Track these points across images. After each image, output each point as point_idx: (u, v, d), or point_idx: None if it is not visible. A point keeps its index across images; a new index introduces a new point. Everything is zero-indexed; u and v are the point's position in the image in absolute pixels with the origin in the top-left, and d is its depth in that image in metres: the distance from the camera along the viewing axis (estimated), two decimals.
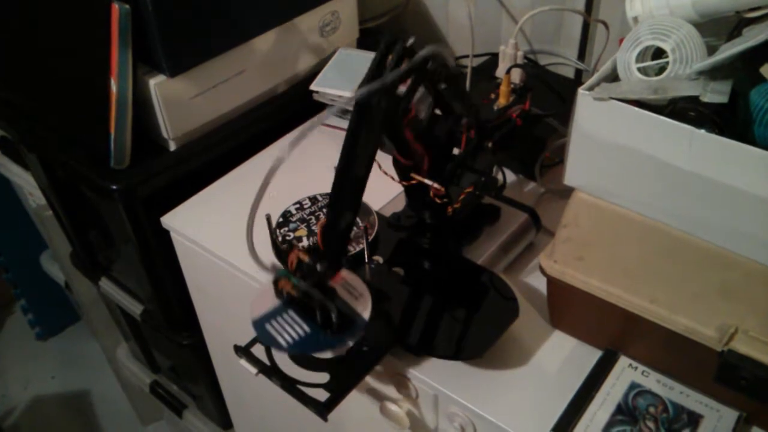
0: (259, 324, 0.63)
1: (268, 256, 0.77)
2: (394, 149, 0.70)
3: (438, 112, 0.72)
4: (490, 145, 0.74)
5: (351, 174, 0.60)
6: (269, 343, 0.62)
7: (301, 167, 0.97)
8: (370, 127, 0.59)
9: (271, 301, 0.64)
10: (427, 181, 0.70)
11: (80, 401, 1.91)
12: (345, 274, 0.66)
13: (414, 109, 0.66)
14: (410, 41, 0.59)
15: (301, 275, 0.60)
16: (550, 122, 0.90)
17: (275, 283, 0.63)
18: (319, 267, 0.59)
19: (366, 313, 0.63)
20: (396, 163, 0.73)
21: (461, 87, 0.69)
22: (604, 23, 0.99)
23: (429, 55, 0.59)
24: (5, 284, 1.92)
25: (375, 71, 0.59)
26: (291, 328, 0.63)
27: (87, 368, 1.96)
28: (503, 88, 0.80)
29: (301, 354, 0.68)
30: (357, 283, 0.66)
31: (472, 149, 0.73)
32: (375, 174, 0.74)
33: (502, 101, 0.80)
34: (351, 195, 0.61)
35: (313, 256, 0.60)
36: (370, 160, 0.61)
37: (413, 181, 0.73)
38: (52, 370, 2.00)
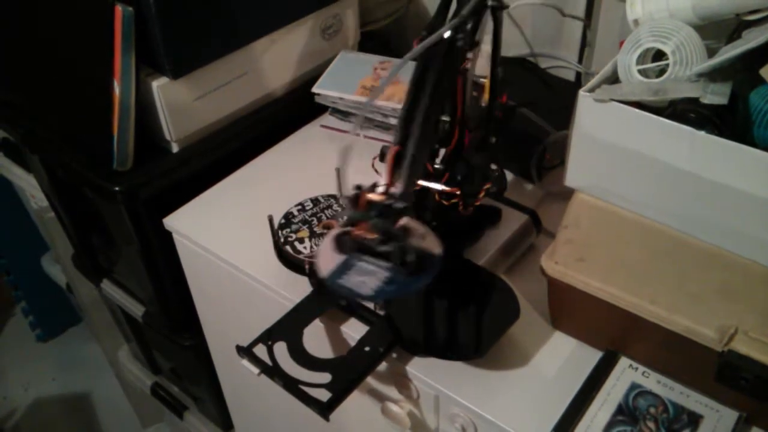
0: (332, 280, 0.62)
1: (272, 258, 0.78)
2: None
3: None
4: (494, 140, 0.74)
5: (421, 111, 0.60)
6: (352, 295, 0.61)
7: (303, 168, 0.97)
8: (447, 62, 0.61)
9: (336, 257, 0.62)
10: (436, 186, 0.70)
11: (81, 403, 1.91)
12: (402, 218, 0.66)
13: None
14: None
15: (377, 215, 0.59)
16: (527, 114, 0.90)
17: (341, 235, 0.62)
18: (398, 204, 0.59)
19: (438, 250, 0.62)
20: None
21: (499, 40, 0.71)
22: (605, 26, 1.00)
23: None
24: (6, 286, 1.92)
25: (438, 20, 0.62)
26: (370, 277, 0.61)
27: (88, 370, 1.96)
28: (486, 83, 0.80)
29: (389, 298, 0.65)
30: (416, 225, 0.66)
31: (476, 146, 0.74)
32: (376, 177, 0.75)
33: (486, 96, 0.80)
34: (422, 135, 0.60)
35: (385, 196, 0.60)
36: (441, 99, 0.62)
37: (416, 187, 0.73)
38: (53, 371, 2.00)
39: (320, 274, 0.62)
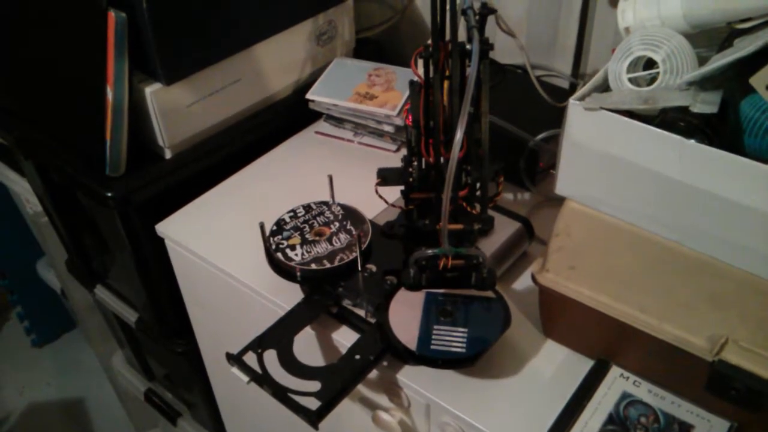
0: (424, 351, 0.67)
1: (263, 265, 0.77)
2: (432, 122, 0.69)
3: None
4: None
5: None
6: (447, 355, 0.66)
7: (296, 175, 0.97)
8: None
9: (410, 322, 0.69)
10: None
11: (75, 408, 1.91)
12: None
13: None
14: None
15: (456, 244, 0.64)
16: (503, 124, 0.90)
17: (411, 283, 0.66)
18: (482, 226, 0.64)
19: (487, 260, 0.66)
20: (405, 192, 0.73)
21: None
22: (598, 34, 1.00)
23: None
24: (1, 291, 1.92)
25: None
26: (452, 333, 0.68)
27: (82, 375, 1.96)
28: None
29: (484, 347, 0.69)
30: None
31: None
32: (369, 184, 0.75)
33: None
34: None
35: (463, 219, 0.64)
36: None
37: (413, 205, 0.73)
38: (48, 377, 1.99)
39: (407, 346, 0.67)
